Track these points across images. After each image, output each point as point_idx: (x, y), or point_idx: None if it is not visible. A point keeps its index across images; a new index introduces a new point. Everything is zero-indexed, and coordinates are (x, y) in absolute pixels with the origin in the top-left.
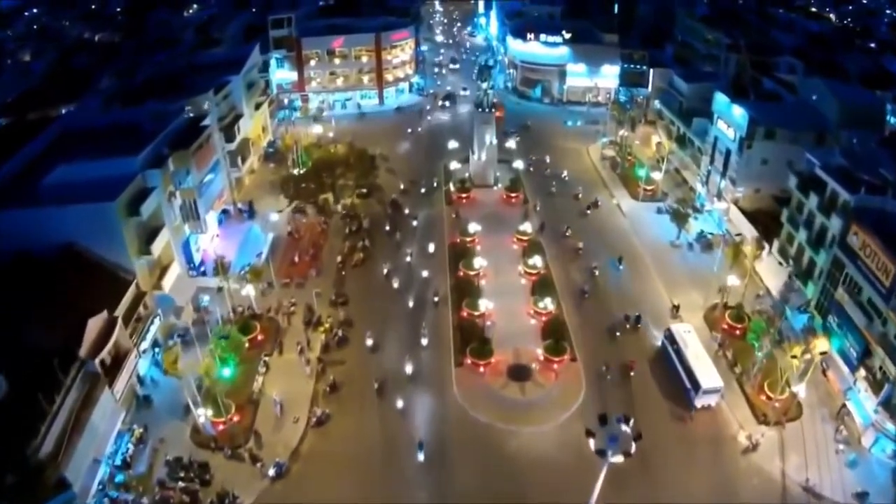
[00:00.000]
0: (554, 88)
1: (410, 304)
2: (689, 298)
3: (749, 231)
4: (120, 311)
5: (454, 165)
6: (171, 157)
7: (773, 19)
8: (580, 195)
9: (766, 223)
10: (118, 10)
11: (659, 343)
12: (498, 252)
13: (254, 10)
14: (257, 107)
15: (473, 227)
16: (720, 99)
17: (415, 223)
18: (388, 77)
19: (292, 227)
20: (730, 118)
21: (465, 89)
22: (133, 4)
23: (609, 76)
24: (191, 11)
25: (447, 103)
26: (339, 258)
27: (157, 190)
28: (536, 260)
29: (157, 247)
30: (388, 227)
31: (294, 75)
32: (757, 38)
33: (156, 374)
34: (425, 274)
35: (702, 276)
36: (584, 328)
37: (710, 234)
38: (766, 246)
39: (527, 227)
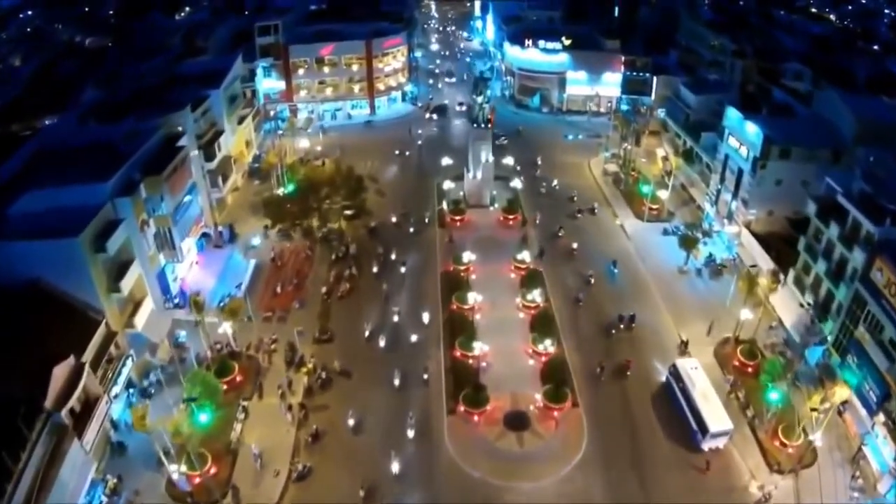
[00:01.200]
0: (553, 97)
1: (397, 381)
2: (698, 331)
3: (764, 260)
4: (88, 356)
5: (448, 185)
6: (143, 182)
7: (775, 21)
8: (575, 198)
9: (779, 248)
10: (111, 12)
11: (663, 378)
12: (494, 282)
13: (246, 12)
14: (241, 120)
15: (468, 255)
16: (732, 114)
17: (403, 269)
18: (380, 86)
19: (275, 252)
20: (742, 135)
21: (461, 104)
22: (125, 8)
23: (611, 84)
24: (182, 14)
25: (435, 116)
26: (323, 289)
27: (126, 222)
28: (535, 294)
29: (128, 283)
30: (375, 270)
31: (282, 84)
32: (763, 43)
33: (130, 419)
34: (414, 338)
35: (711, 306)
36: (583, 365)
37: (723, 265)
38: (783, 278)
39: (525, 255)
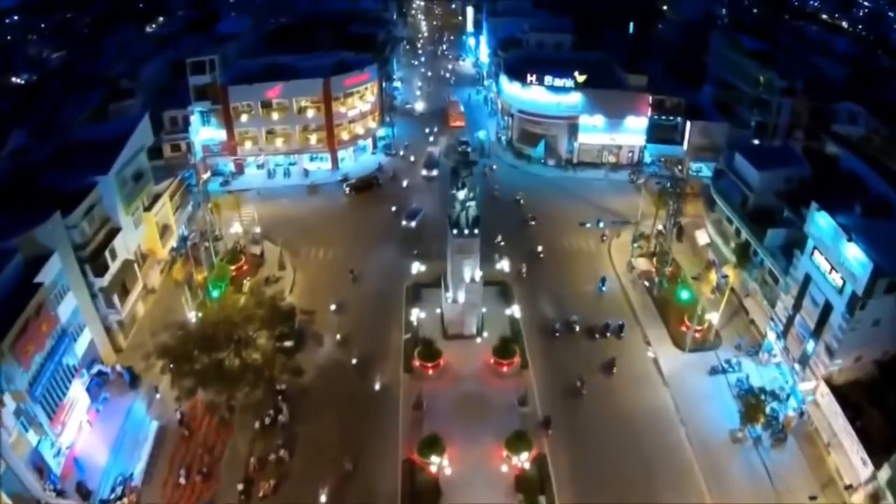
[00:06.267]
0: (561, 146)
1: None
2: None
3: (848, 438)
4: None
5: (416, 313)
6: None
7: (806, 38)
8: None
9: (866, 410)
10: (87, 21)
11: None
12: (477, 483)
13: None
14: (152, 204)
15: (437, 459)
16: (821, 221)
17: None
18: (344, 135)
19: (183, 413)
20: (836, 256)
21: (410, 220)
22: (99, 18)
23: (634, 130)
24: (153, 27)
25: (347, 190)
26: (240, 486)
27: None
28: None
29: None
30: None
31: (223, 134)
32: (806, 73)
33: None
34: None
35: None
36: None
37: (784, 430)
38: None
39: (523, 457)
